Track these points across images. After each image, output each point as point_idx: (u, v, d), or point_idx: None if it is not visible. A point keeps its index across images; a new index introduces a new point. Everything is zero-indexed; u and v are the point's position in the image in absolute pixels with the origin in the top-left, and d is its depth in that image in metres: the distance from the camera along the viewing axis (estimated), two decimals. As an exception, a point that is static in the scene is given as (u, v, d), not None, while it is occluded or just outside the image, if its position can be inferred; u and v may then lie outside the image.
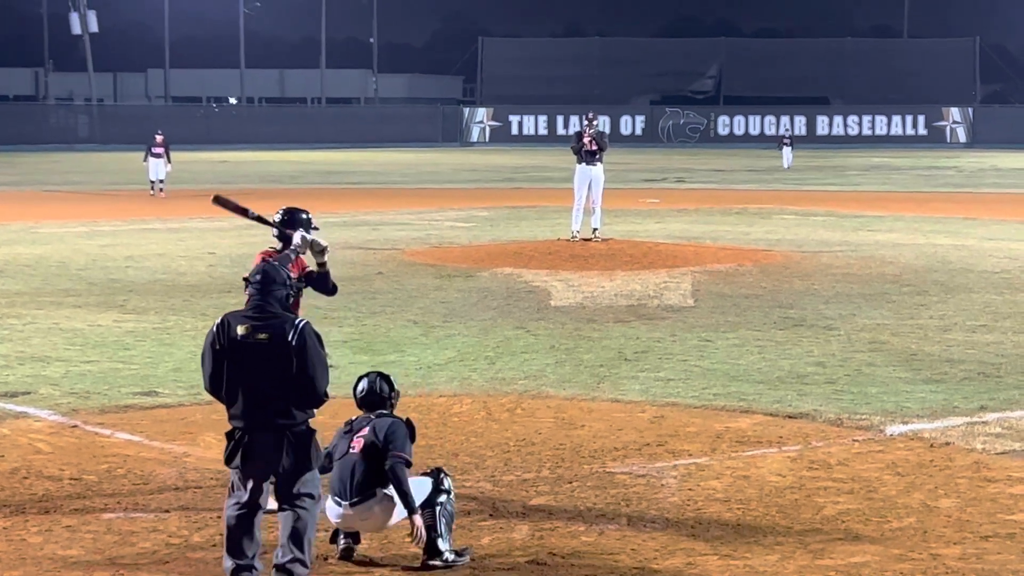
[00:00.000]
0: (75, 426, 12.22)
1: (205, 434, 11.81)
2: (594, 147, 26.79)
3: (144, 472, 10.64)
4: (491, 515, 9.48)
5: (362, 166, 65.08)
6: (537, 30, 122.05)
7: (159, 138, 43.33)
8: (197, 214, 34.99)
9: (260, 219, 10.08)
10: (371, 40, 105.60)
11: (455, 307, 19.27)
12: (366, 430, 8.53)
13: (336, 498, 8.46)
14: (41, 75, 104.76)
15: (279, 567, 7.86)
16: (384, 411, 8.71)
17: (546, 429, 12.02)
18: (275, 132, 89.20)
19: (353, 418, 8.76)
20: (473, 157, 74.96)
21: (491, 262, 24.30)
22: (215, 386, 7.99)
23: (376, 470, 8.39)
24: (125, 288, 21.27)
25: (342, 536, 8.49)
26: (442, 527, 8.48)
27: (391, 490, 8.36)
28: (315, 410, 8.03)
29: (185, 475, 10.56)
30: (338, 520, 8.50)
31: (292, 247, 9.85)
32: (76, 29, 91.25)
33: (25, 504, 9.75)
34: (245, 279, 8.09)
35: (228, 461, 7.93)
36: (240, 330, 7.90)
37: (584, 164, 26.99)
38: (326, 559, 8.51)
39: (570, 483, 10.31)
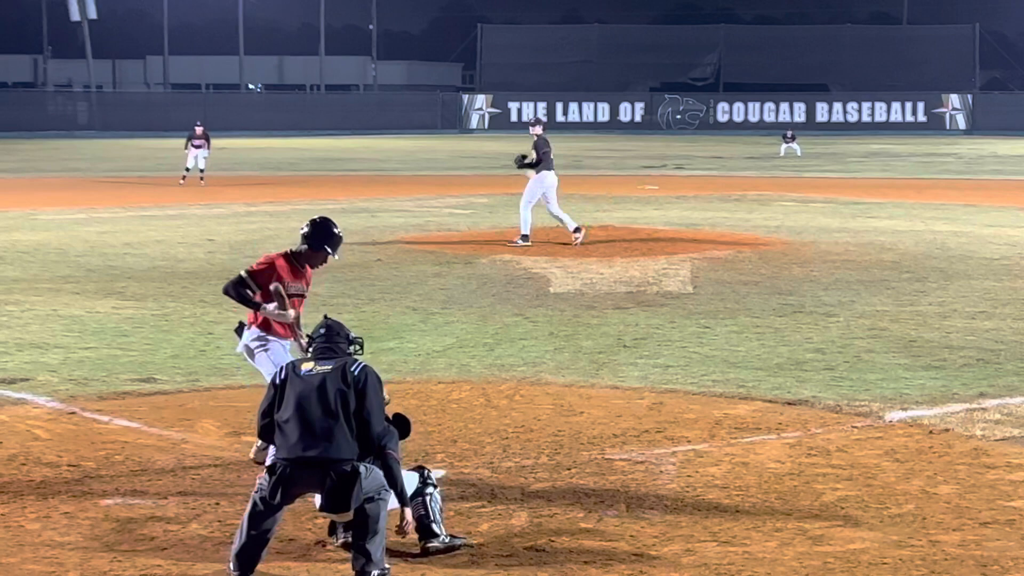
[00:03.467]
0: (73, 412, 12.21)
1: (203, 420, 11.81)
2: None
3: (142, 458, 10.63)
4: (490, 501, 9.47)
5: (361, 153, 65.03)
6: (536, 17, 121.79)
7: (199, 129, 42.37)
8: (196, 201, 34.99)
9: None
10: (370, 27, 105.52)
11: (454, 294, 19.25)
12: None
13: None
14: (40, 62, 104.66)
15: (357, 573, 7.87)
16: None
17: (545, 416, 12.02)
18: (274, 119, 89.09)
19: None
20: (472, 144, 74.88)
21: (490, 249, 24.28)
22: (266, 423, 8.04)
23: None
24: (124, 275, 21.25)
25: (340, 528, 8.47)
26: (435, 513, 8.51)
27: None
28: (363, 459, 7.97)
29: (183, 461, 10.55)
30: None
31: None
32: (75, 16, 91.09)
33: (23, 490, 9.74)
34: (310, 337, 8.24)
35: (271, 495, 7.85)
36: (305, 366, 8.07)
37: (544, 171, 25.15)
38: (323, 545, 8.50)
39: (569, 469, 10.31)
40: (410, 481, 8.45)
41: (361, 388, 7.95)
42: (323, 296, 18.71)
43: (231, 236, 26.45)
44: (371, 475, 7.94)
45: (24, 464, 10.46)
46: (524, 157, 25.08)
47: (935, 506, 9.41)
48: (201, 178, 41.49)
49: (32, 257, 23.40)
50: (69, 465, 10.43)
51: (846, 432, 11.49)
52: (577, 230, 24.92)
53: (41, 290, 19.59)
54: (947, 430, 11.55)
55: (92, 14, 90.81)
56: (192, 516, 9.18)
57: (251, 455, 10.43)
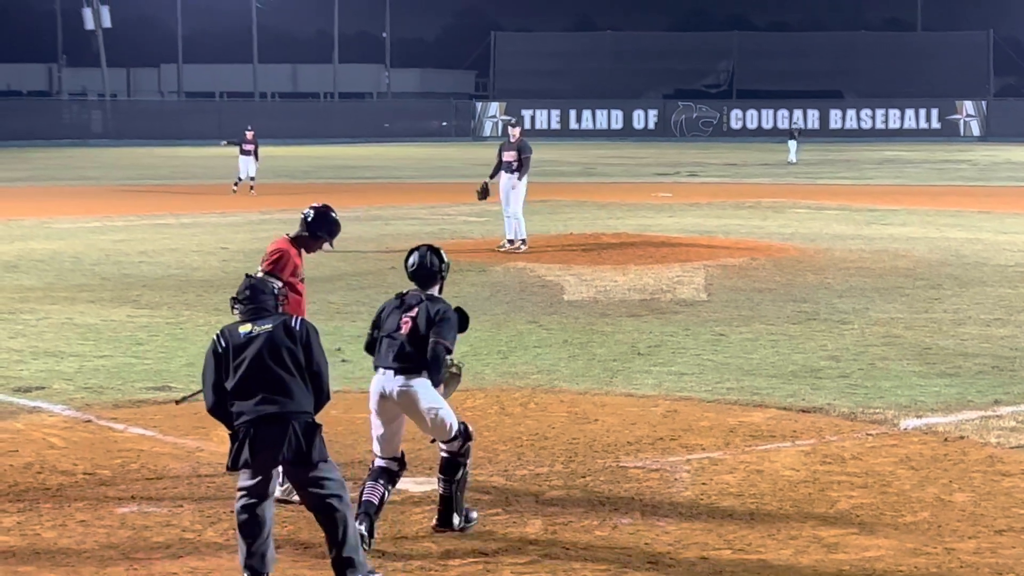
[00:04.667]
0: (89, 421, 12.24)
1: (218, 429, 11.76)
2: (511, 158, 25.18)
3: (158, 466, 10.65)
4: (504, 509, 9.47)
5: (375, 161, 65.11)
6: (549, 24, 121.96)
7: (249, 134, 41.87)
8: (209, 209, 35.06)
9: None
10: (384, 35, 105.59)
11: (468, 301, 19.23)
12: (416, 311, 8.73)
13: (382, 368, 8.72)
14: (54, 71, 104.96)
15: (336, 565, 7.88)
16: (435, 294, 8.95)
17: (559, 423, 12.02)
18: (288, 127, 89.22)
19: (405, 292, 8.96)
20: (485, 151, 74.89)
21: (503, 256, 24.28)
22: (219, 395, 7.95)
23: (420, 352, 8.63)
24: (138, 283, 21.30)
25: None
26: (458, 500, 8.85)
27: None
28: (318, 409, 8.01)
29: (198, 469, 10.58)
30: (380, 392, 8.69)
31: None
32: (89, 24, 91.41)
33: (39, 498, 9.76)
34: (233, 298, 8.15)
35: (235, 462, 7.83)
36: (242, 329, 7.97)
37: (503, 172, 25.35)
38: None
39: (583, 477, 10.31)
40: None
41: (306, 342, 7.92)
42: (337, 304, 18.75)
43: (245, 244, 26.49)
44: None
45: (40, 472, 10.48)
46: (486, 190, 25.19)
47: (950, 514, 9.39)
48: (251, 187, 40.80)
49: (47, 265, 23.46)
50: (85, 473, 10.45)
51: (861, 440, 11.47)
52: (511, 242, 24.94)
53: (56, 298, 19.63)
54: (962, 437, 11.53)
55: (106, 23, 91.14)
56: (207, 524, 9.20)
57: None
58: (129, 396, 13.26)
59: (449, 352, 8.73)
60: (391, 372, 8.69)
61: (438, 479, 9.01)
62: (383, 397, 8.75)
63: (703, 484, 10.13)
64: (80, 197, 41.17)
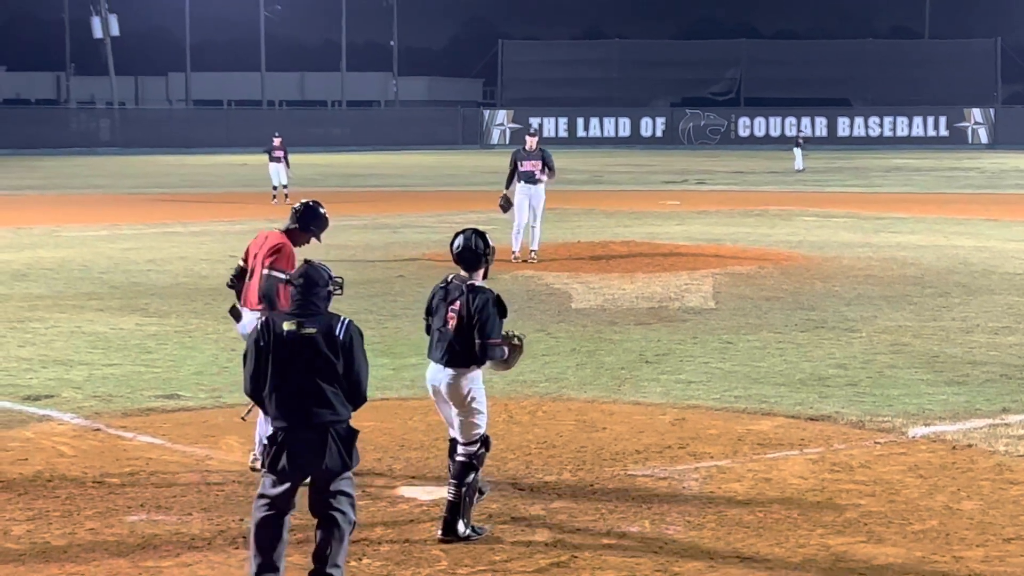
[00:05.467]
0: (98, 429, 12.27)
1: (227, 437, 11.85)
2: (533, 167, 24.79)
3: (167, 475, 10.67)
4: (513, 518, 9.49)
5: (382, 169, 65.16)
6: (557, 32, 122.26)
7: (277, 141, 41.28)
8: (218, 217, 35.11)
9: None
10: (391, 43, 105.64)
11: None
12: (459, 304, 9.04)
13: (433, 361, 9.13)
14: (63, 79, 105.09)
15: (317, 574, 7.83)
16: (477, 282, 9.18)
17: (567, 432, 12.03)
18: (295, 135, 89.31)
19: (450, 277, 9.22)
20: (493, 159, 74.97)
21: (512, 265, 24.30)
22: (257, 385, 7.91)
23: (467, 345, 9.00)
24: (147, 291, 21.34)
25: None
26: (465, 507, 8.97)
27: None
28: (354, 411, 8.00)
29: (207, 478, 10.59)
30: (432, 384, 9.12)
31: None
32: (98, 33, 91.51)
33: (49, 507, 9.79)
34: (287, 280, 8.12)
35: (272, 466, 7.78)
36: (286, 326, 7.87)
37: (523, 183, 25.01)
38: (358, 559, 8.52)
39: (591, 485, 10.32)
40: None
41: (348, 348, 7.86)
42: (345, 311, 18.74)
43: (254, 252, 26.47)
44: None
45: (49, 480, 10.51)
46: (509, 202, 24.88)
47: (958, 522, 9.39)
48: (286, 195, 39.90)
49: (56, 274, 23.50)
50: (94, 481, 10.47)
51: (869, 448, 11.48)
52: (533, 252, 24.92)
53: (65, 307, 19.67)
54: (970, 446, 11.53)
55: (115, 31, 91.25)
56: (216, 532, 9.21)
57: (248, 463, 10.61)
58: (138, 404, 13.28)
59: (497, 345, 9.05)
60: (441, 364, 9.09)
61: (448, 486, 9.04)
62: (435, 389, 9.16)
63: (711, 492, 10.14)
64: (88, 205, 41.24)
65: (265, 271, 10.45)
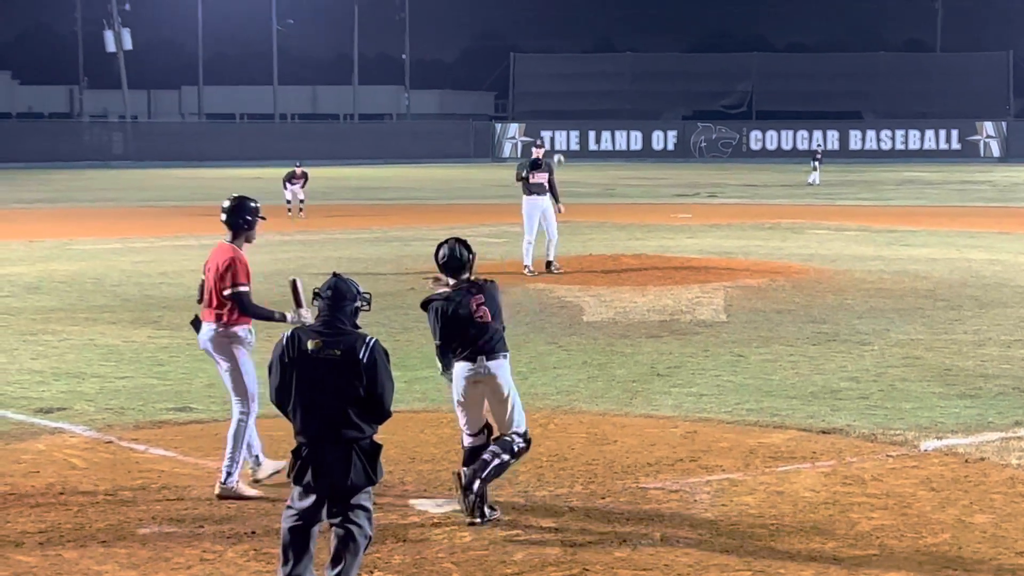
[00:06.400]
0: (110, 442, 12.29)
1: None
2: (542, 179, 25.05)
3: (179, 487, 10.68)
4: (524, 531, 9.48)
5: (394, 182, 65.24)
6: (569, 46, 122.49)
7: (299, 170, 41.42)
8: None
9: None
10: (403, 56, 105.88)
11: (487, 323, 19.25)
12: (481, 297, 9.74)
13: (472, 362, 9.73)
14: (76, 93, 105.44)
15: None
16: (469, 275, 9.89)
17: (579, 444, 12.03)
18: (308, 148, 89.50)
19: (443, 292, 9.82)
20: (505, 172, 75.00)
21: (523, 277, 24.31)
22: (282, 398, 7.89)
23: (499, 332, 9.84)
24: (159, 304, 21.38)
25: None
26: (490, 475, 9.59)
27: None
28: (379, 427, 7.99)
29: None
30: (476, 378, 9.71)
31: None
32: (111, 47, 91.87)
33: (60, 519, 9.80)
34: (315, 292, 8.08)
35: (297, 479, 7.76)
36: (310, 345, 7.84)
37: (534, 195, 25.32)
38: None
39: (603, 499, 10.31)
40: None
41: (371, 372, 7.80)
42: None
43: (265, 266, 26.52)
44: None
45: (61, 493, 10.53)
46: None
47: (971, 536, 9.37)
48: (301, 209, 40.43)
49: (68, 287, 23.55)
50: (106, 494, 10.49)
51: (881, 461, 11.46)
52: (550, 264, 25.07)
53: (78, 319, 19.71)
54: (982, 459, 11.51)
55: (128, 45, 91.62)
56: (228, 545, 9.22)
57: (259, 475, 10.67)
58: (150, 417, 13.31)
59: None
60: (483, 358, 9.75)
61: (488, 451, 9.71)
62: (470, 390, 9.70)
63: (723, 505, 10.13)
64: (101, 218, 41.33)
65: (227, 292, 10.59)
